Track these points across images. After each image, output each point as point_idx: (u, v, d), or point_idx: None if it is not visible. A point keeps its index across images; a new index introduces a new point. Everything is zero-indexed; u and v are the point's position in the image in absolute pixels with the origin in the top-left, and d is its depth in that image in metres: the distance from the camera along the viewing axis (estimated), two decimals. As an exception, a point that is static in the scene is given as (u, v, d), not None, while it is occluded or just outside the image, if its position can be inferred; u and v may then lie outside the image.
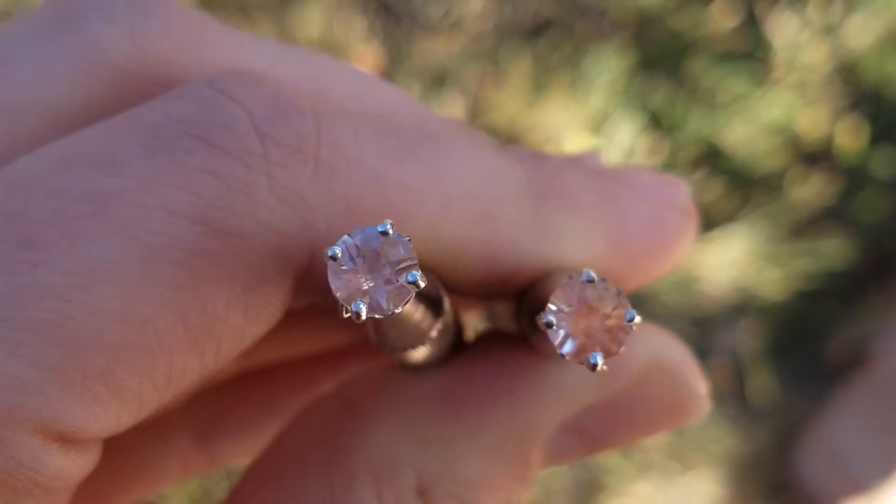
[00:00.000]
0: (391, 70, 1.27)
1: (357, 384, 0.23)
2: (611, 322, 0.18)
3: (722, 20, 1.28)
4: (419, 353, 0.21)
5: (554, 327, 0.18)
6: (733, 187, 1.25)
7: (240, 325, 0.19)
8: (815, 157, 1.26)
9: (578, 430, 0.23)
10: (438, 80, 1.26)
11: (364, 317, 0.17)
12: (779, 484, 1.17)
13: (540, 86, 1.26)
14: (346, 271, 0.17)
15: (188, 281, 0.17)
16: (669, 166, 1.24)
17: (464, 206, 0.20)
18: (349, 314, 0.17)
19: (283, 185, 0.18)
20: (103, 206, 0.17)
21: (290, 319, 0.21)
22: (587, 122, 1.24)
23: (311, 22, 1.27)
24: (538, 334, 0.20)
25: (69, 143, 0.18)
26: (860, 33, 1.28)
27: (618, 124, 1.24)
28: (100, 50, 0.20)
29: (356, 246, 0.17)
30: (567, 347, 0.18)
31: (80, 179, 0.17)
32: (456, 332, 0.23)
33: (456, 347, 0.23)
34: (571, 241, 0.21)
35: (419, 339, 0.20)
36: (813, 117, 1.26)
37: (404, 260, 0.17)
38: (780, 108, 1.25)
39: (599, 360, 0.18)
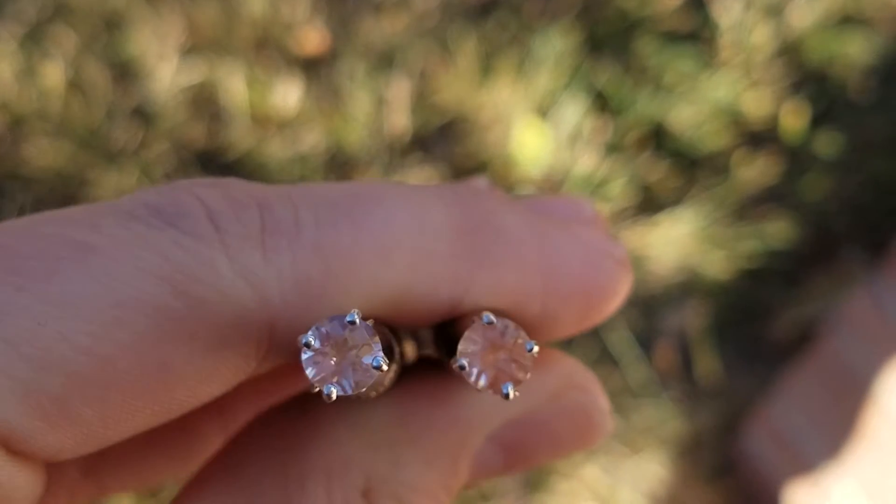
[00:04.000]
0: (336, 50, 1.26)
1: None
2: (514, 354, 0.20)
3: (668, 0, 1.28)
4: (371, 395, 0.23)
5: (467, 369, 0.20)
6: (679, 168, 1.25)
7: (193, 382, 0.20)
8: (760, 137, 1.26)
9: (502, 442, 0.24)
10: (385, 61, 1.25)
11: (334, 397, 0.19)
12: (725, 465, 1.17)
13: (487, 66, 1.25)
14: (317, 355, 0.19)
15: (152, 332, 0.19)
16: (616, 147, 1.24)
17: (401, 254, 0.22)
18: (322, 394, 0.19)
19: (241, 264, 0.20)
20: (84, 254, 0.19)
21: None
22: (534, 102, 1.24)
23: (255, 1, 1.25)
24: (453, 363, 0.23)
25: (56, 212, 0.20)
26: (804, 14, 1.28)
27: (565, 105, 1.23)
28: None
29: (327, 332, 0.19)
30: (482, 383, 0.20)
31: (66, 231, 0.20)
32: (401, 364, 0.25)
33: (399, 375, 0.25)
34: (506, 275, 0.23)
35: (376, 389, 0.22)
36: (758, 98, 1.27)
37: (367, 344, 0.19)
38: (725, 88, 1.25)
39: (511, 390, 0.20)
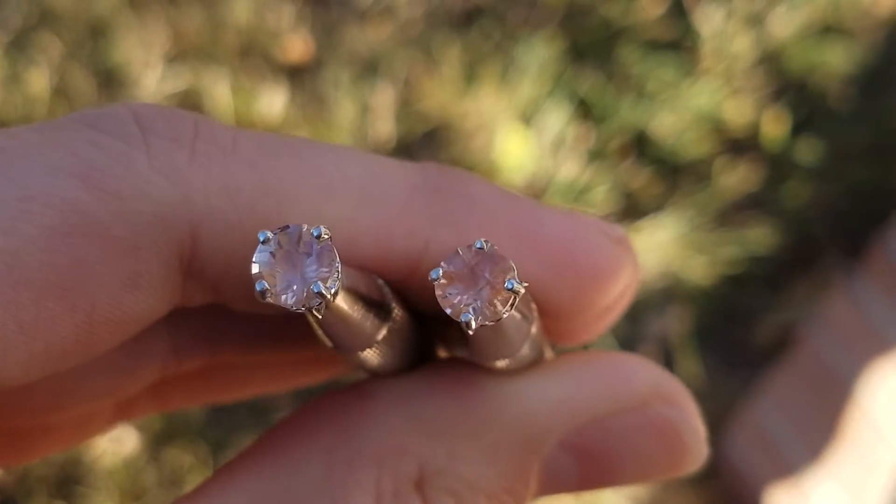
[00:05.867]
0: (321, 58, 1.26)
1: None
2: (495, 289, 0.18)
3: (650, 8, 1.29)
4: (371, 357, 0.21)
5: (439, 281, 0.18)
6: (661, 175, 1.25)
7: (116, 286, 0.19)
8: (742, 144, 1.27)
9: (577, 451, 0.22)
10: (369, 69, 1.26)
11: (271, 300, 0.18)
12: (708, 468, 1.17)
13: (471, 74, 1.26)
14: (267, 275, 0.18)
15: (59, 225, 0.18)
16: (598, 154, 1.25)
17: (347, 192, 0.20)
18: (258, 294, 0.18)
19: (162, 162, 0.19)
20: None
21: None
22: (518, 110, 1.24)
23: (240, 9, 1.26)
24: (466, 346, 0.21)
25: None
26: (785, 23, 1.30)
27: (548, 112, 1.24)
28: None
29: (289, 239, 0.18)
30: (449, 302, 0.18)
31: None
32: (413, 341, 0.23)
33: (420, 358, 0.23)
34: (475, 233, 0.21)
35: (365, 340, 0.20)
36: (739, 106, 1.28)
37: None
38: (707, 96, 1.26)
39: (472, 321, 0.18)
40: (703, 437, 0.23)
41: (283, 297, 0.18)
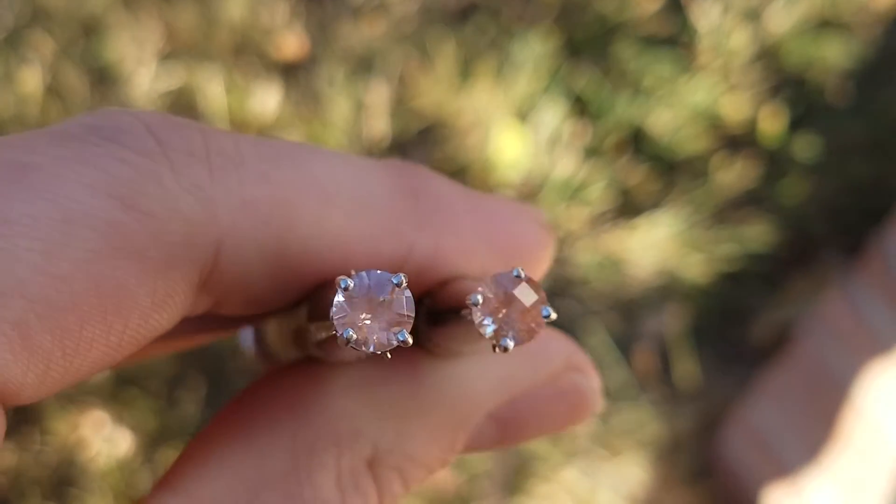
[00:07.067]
0: (315, 55, 1.26)
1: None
2: (528, 315, 0.19)
3: (647, 4, 1.29)
4: (354, 357, 0.23)
5: (478, 306, 0.19)
6: (658, 172, 1.25)
7: (147, 308, 0.19)
8: (739, 141, 1.27)
9: (498, 418, 0.25)
10: (363, 65, 1.25)
11: (354, 347, 0.18)
12: (704, 467, 1.17)
13: (466, 70, 1.26)
14: (351, 303, 0.19)
15: (103, 248, 0.18)
16: (594, 151, 1.24)
17: (342, 201, 0.22)
18: (342, 341, 0.18)
19: (187, 178, 0.19)
20: (22, 174, 0.18)
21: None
22: (513, 106, 1.24)
23: (234, 6, 1.25)
24: (437, 334, 0.22)
25: None
26: (782, 18, 1.29)
27: (543, 109, 1.24)
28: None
29: (368, 286, 0.19)
30: (487, 328, 0.19)
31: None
32: None
33: None
34: (448, 239, 0.23)
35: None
36: (736, 102, 1.27)
37: (403, 316, 0.19)
38: (704, 92, 1.26)
39: (510, 345, 0.19)
40: (599, 393, 0.26)
41: (366, 344, 0.19)
